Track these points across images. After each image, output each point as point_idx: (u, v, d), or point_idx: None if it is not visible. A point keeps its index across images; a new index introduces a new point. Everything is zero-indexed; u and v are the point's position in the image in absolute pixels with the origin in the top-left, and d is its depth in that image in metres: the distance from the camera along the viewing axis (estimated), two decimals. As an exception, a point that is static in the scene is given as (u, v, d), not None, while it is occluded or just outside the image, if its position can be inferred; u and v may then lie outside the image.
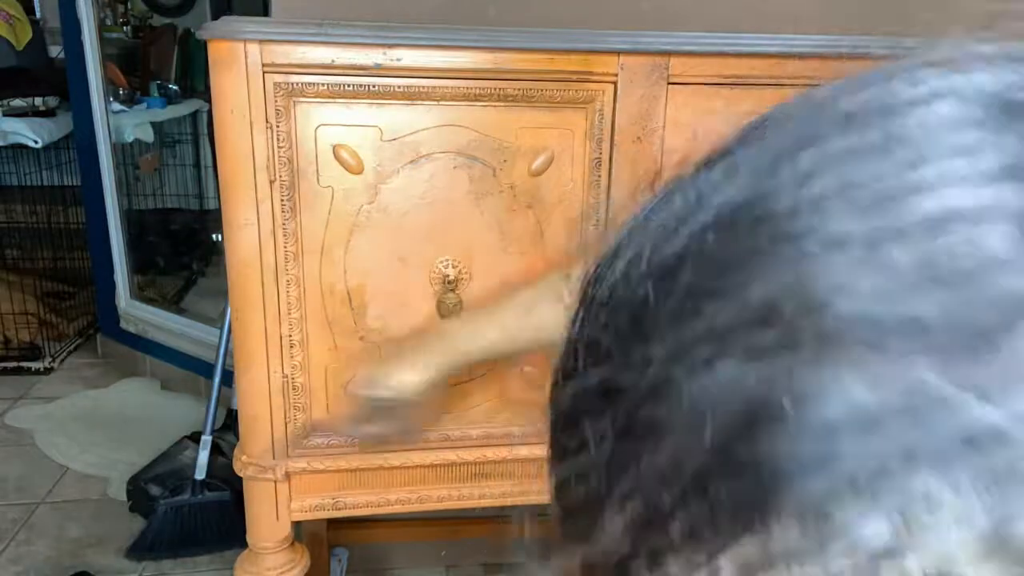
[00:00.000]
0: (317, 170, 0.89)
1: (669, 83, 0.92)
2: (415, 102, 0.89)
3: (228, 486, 1.69)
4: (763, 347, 0.15)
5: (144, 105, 2.89)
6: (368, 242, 0.92)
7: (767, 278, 0.16)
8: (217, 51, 0.84)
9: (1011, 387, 0.14)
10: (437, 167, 0.91)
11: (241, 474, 0.98)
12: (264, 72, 0.84)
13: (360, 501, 1.02)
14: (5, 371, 2.59)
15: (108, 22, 2.98)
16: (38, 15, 3.16)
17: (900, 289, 0.15)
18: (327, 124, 0.88)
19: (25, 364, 2.61)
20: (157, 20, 3.50)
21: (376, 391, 0.85)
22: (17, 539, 1.74)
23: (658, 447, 0.16)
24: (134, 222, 2.76)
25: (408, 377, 0.84)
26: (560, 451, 0.21)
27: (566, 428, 0.20)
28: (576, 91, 0.91)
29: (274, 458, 0.97)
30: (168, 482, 1.75)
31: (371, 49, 0.85)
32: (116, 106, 2.59)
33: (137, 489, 1.81)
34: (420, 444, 1.01)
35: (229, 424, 1.90)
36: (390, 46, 0.85)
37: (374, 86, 0.87)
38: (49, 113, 2.66)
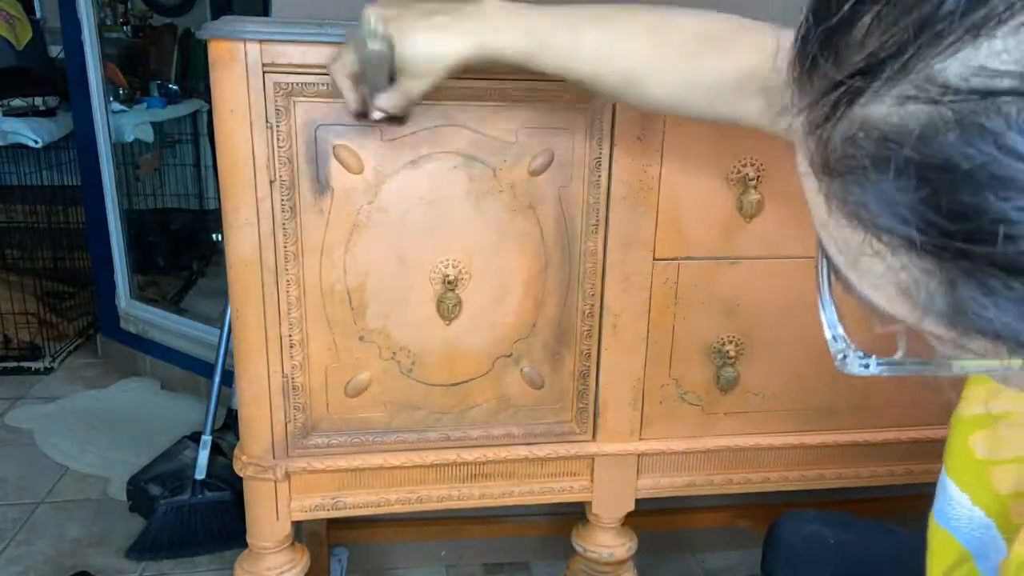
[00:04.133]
0: (317, 170, 0.89)
1: (669, 83, 0.92)
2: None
3: (228, 486, 1.69)
4: None
5: (144, 105, 2.89)
6: (368, 242, 0.92)
7: None
8: (217, 51, 0.84)
9: None
10: (437, 167, 0.91)
11: (241, 474, 0.98)
12: (264, 72, 0.84)
13: (360, 501, 1.02)
14: (5, 371, 2.58)
15: (108, 22, 2.98)
16: (38, 15, 3.15)
17: None
18: (327, 124, 0.88)
19: (25, 364, 2.61)
20: (157, 20, 3.50)
21: (394, 45, 0.68)
22: (17, 539, 1.74)
23: None
24: (134, 222, 2.76)
25: (442, 44, 0.68)
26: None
27: None
28: (576, 91, 0.91)
29: (274, 458, 0.97)
30: (168, 482, 1.75)
31: (371, 49, 0.85)
32: (116, 106, 2.59)
33: (137, 489, 1.81)
34: (420, 444, 1.01)
35: (229, 424, 1.90)
36: (390, 46, 0.85)
37: (374, 86, 0.87)
38: (49, 113, 2.66)
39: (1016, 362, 0.30)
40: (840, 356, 0.36)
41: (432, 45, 0.68)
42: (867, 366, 0.35)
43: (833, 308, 0.36)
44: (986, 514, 0.49)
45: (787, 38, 0.34)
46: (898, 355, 0.34)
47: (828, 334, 0.36)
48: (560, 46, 0.68)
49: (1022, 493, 0.46)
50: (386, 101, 0.73)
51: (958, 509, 0.51)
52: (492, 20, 0.68)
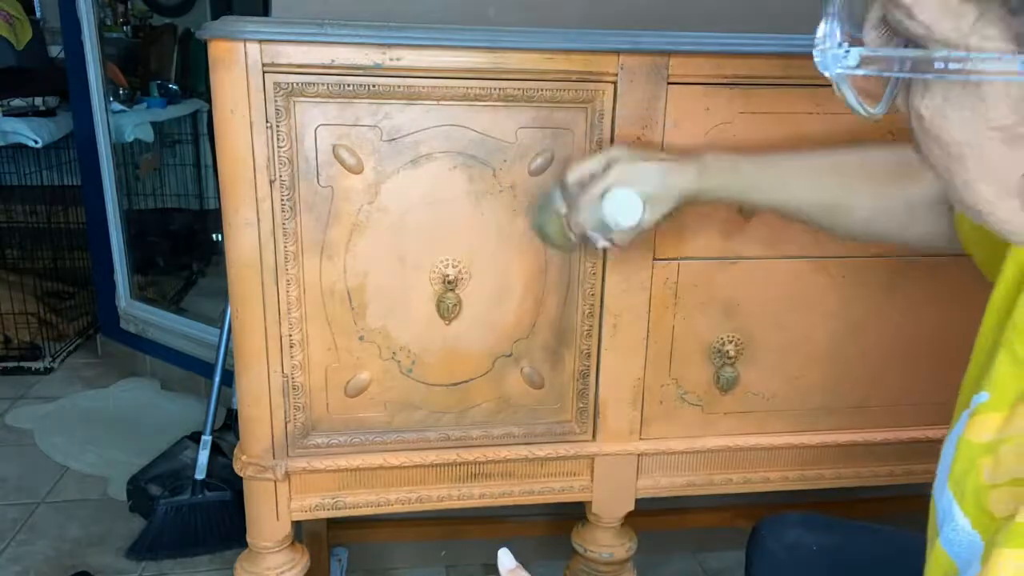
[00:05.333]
0: (317, 170, 0.89)
1: (669, 83, 0.92)
2: (415, 102, 0.89)
3: (228, 486, 1.69)
4: None
5: (144, 105, 2.89)
6: (368, 242, 0.92)
7: None
8: (217, 51, 0.84)
9: None
10: (437, 167, 0.91)
11: (241, 474, 0.98)
12: (264, 72, 0.84)
13: (360, 501, 1.02)
14: (5, 371, 2.58)
15: (108, 22, 2.98)
16: (38, 15, 3.16)
17: None
18: (327, 124, 0.88)
19: (25, 364, 2.61)
20: (157, 20, 3.50)
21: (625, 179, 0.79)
22: (17, 539, 1.74)
23: None
24: (134, 222, 2.76)
25: (675, 175, 0.79)
26: None
27: None
28: (576, 91, 0.91)
29: (274, 458, 0.97)
30: (168, 482, 1.75)
31: (371, 49, 0.85)
32: (116, 106, 2.59)
33: (137, 489, 1.81)
34: (420, 444, 1.01)
35: (229, 424, 1.90)
36: (390, 46, 0.85)
37: (374, 86, 0.87)
38: (49, 113, 2.66)
39: (1015, 61, 0.28)
40: (819, 47, 0.35)
41: (666, 174, 0.79)
42: (847, 53, 0.34)
43: (837, 12, 0.35)
44: (981, 537, 0.49)
45: None
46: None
47: (820, 29, 0.35)
48: (768, 190, 0.78)
49: (1011, 515, 0.46)
50: (624, 239, 0.83)
51: (960, 534, 0.50)
52: (713, 166, 0.80)
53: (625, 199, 0.79)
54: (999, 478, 0.48)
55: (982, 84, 0.30)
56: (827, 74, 0.35)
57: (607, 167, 0.81)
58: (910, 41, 0.31)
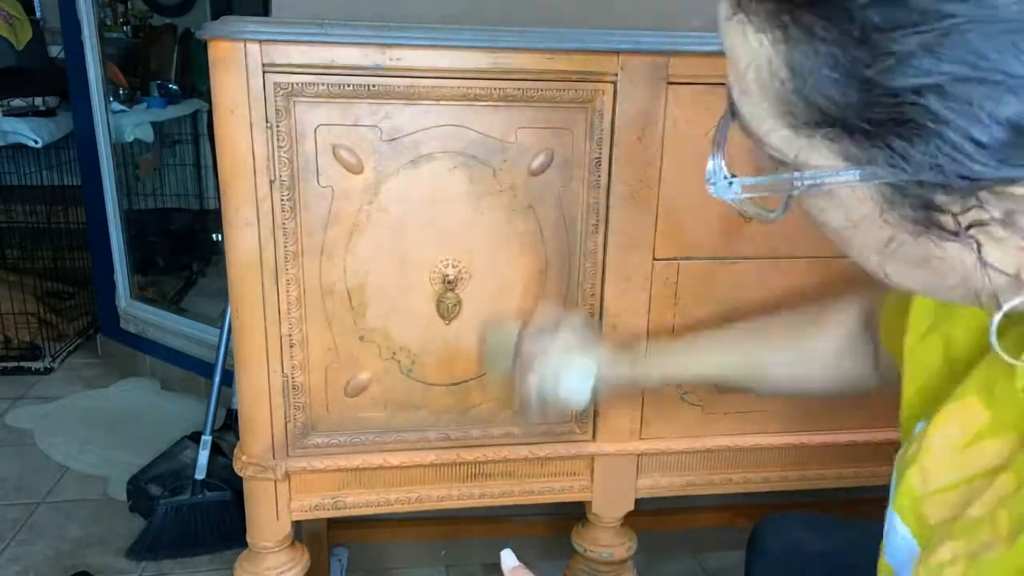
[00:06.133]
0: (317, 170, 0.89)
1: (669, 83, 0.92)
2: (415, 102, 0.89)
3: (228, 486, 1.69)
4: None
5: (144, 105, 2.89)
6: (368, 242, 0.92)
7: None
8: (217, 51, 0.84)
9: None
10: (437, 167, 0.91)
11: (241, 474, 0.98)
12: (264, 72, 0.84)
13: (360, 501, 1.02)
14: (5, 371, 2.58)
15: (108, 22, 2.98)
16: (38, 15, 3.16)
17: None
18: (327, 124, 0.88)
19: (25, 364, 2.61)
20: (157, 20, 3.50)
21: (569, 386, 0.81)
22: (17, 539, 1.74)
23: None
24: (134, 222, 2.76)
25: (611, 374, 0.82)
26: None
27: None
28: (576, 91, 0.91)
29: (274, 458, 0.97)
30: (168, 482, 1.75)
31: (371, 49, 0.85)
32: (116, 106, 2.59)
33: (137, 489, 1.81)
34: (420, 444, 1.01)
35: (229, 424, 1.90)
36: (390, 46, 0.85)
37: (374, 86, 0.87)
38: (49, 113, 2.66)
39: (847, 175, 0.37)
40: (711, 182, 0.43)
41: (601, 368, 0.82)
42: (731, 184, 0.42)
43: (721, 151, 0.43)
44: (917, 544, 0.50)
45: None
46: (757, 177, 0.41)
47: (708, 166, 0.43)
48: (694, 371, 0.84)
49: (946, 521, 0.49)
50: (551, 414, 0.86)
51: (900, 541, 0.52)
52: (643, 358, 0.84)
53: (579, 378, 0.80)
54: (928, 487, 0.52)
55: (833, 191, 0.39)
56: (724, 200, 0.43)
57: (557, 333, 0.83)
58: (781, 162, 0.40)
